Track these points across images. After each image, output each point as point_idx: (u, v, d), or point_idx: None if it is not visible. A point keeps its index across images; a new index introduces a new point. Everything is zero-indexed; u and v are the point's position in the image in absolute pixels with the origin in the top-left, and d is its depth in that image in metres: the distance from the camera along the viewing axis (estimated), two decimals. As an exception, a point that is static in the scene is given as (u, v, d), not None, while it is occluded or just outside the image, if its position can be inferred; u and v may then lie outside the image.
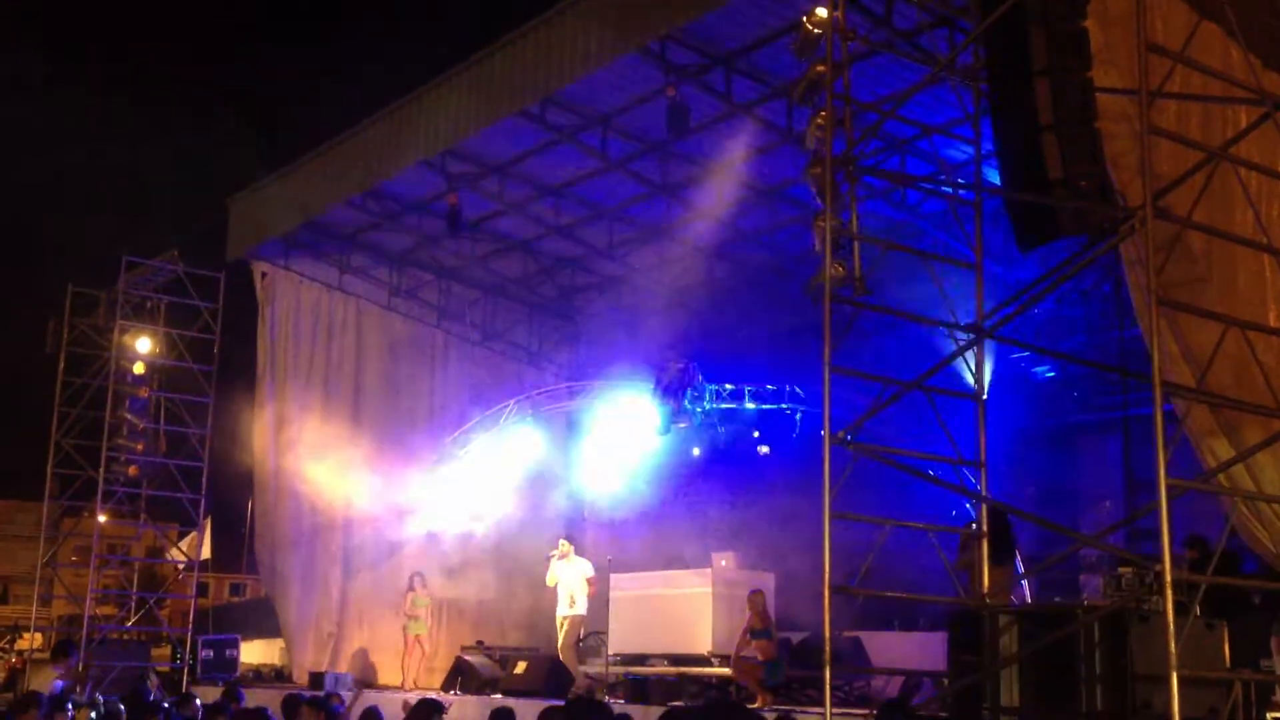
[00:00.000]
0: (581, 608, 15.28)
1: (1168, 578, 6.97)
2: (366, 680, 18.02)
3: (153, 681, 11.89)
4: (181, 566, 21.32)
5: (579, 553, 15.80)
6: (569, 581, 15.29)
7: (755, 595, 13.08)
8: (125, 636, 20.60)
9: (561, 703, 9.37)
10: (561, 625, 15.34)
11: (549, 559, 15.62)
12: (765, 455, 17.08)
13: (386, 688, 17.30)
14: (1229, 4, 8.45)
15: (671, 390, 15.13)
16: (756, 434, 17.15)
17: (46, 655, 19.84)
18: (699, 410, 15.38)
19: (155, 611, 20.60)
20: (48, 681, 12.40)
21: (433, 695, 13.45)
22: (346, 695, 15.04)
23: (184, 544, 21.53)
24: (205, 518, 20.80)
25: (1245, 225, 8.63)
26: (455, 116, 15.26)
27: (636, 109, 14.72)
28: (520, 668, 15.14)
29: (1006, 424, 13.99)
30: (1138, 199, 7.85)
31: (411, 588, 17.28)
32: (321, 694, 12.39)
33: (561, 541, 15.63)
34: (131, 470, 19.67)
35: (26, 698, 9.68)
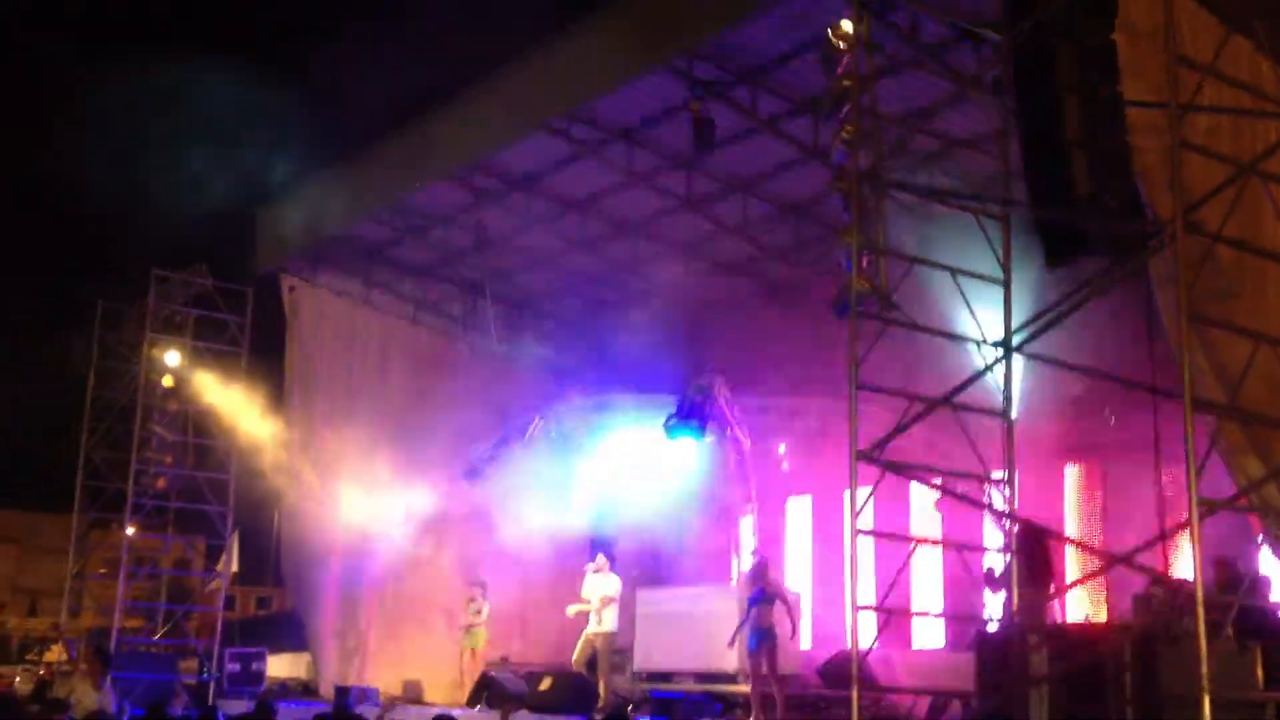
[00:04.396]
0: (608, 624, 15.21)
1: (1199, 598, 6.89)
2: (391, 694, 18.01)
3: (179, 698, 11.83)
4: (212, 585, 21.34)
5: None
6: (598, 597, 15.25)
7: (761, 560, 13.07)
8: (153, 649, 20.67)
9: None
10: (590, 641, 15.22)
11: (585, 571, 15.54)
12: (789, 470, 17.02)
13: (412, 702, 17.28)
14: (1258, 17, 8.38)
15: (696, 405, 15.07)
16: (782, 449, 17.07)
17: (80, 666, 19.90)
18: (725, 424, 15.30)
19: (183, 624, 20.68)
20: (86, 692, 12.22)
21: (455, 712, 13.45)
22: (373, 710, 15.06)
23: (218, 566, 21.55)
24: (233, 531, 20.87)
25: (1276, 240, 8.55)
26: (480, 131, 15.29)
27: (661, 124, 14.70)
28: (546, 684, 15.10)
29: (1036, 441, 13.89)
30: (1167, 213, 7.79)
31: (473, 598, 17.12)
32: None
33: (599, 556, 15.58)
34: (160, 483, 19.76)
35: (56, 703, 9.70)
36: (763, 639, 12.45)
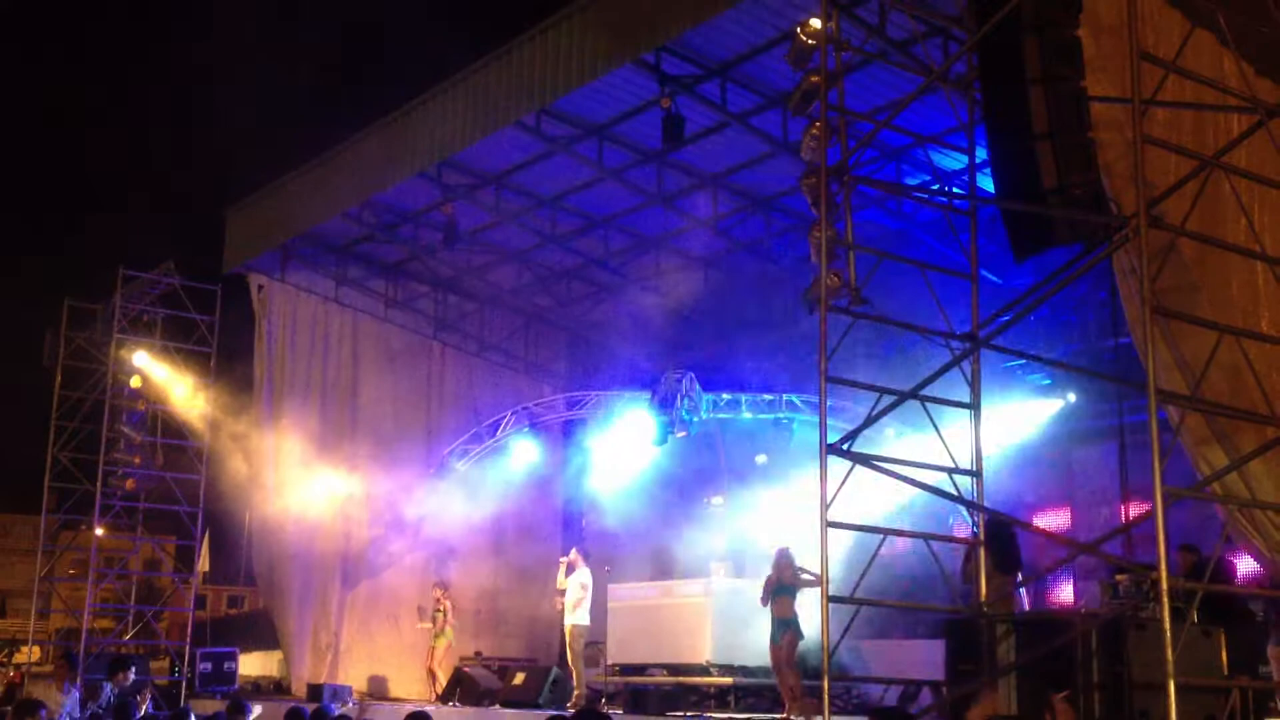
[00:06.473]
0: (579, 617, 15.23)
1: (1164, 585, 6.97)
2: (364, 692, 18.00)
3: (143, 696, 11.78)
4: (185, 587, 21.23)
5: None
6: (571, 590, 15.28)
7: (781, 551, 12.88)
8: (123, 650, 20.55)
9: (561, 713, 9.37)
10: (564, 634, 15.25)
11: (561, 562, 15.54)
12: (762, 465, 17.08)
13: (386, 699, 17.27)
14: (1221, 11, 8.48)
15: (668, 400, 15.11)
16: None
17: (47, 669, 19.78)
18: (695, 420, 15.34)
19: (153, 624, 20.57)
20: (50, 695, 12.13)
21: (427, 707, 13.46)
22: (347, 707, 15.03)
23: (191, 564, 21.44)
24: (203, 531, 20.76)
25: (1238, 233, 8.65)
26: (450, 128, 15.25)
27: (632, 119, 14.76)
28: (519, 679, 15.13)
29: (1002, 432, 14.02)
30: (1131, 207, 7.86)
31: (437, 597, 17.07)
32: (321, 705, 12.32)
33: (573, 550, 15.60)
34: (129, 484, 19.66)
35: (29, 703, 9.58)
36: (783, 630, 12.35)
